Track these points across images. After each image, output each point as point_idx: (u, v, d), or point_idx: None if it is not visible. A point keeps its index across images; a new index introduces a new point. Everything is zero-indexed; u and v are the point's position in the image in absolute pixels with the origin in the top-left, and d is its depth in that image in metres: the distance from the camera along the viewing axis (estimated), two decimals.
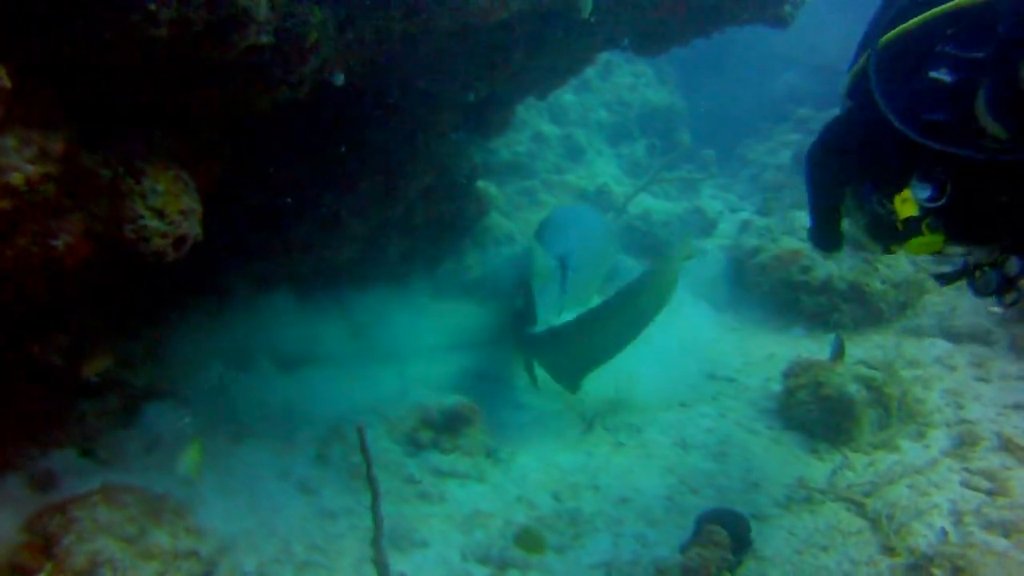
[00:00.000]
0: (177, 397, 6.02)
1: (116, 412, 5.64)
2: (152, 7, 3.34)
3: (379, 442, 5.89)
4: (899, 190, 3.28)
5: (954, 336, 7.99)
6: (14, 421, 4.93)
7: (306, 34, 4.13)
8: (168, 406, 5.93)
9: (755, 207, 10.96)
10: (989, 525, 5.25)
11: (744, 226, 9.88)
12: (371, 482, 3.92)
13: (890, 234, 3.68)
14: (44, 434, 5.17)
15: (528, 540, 5.10)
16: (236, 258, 6.09)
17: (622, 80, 13.69)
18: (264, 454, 5.74)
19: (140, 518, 4.56)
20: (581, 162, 11.84)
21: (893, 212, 3.37)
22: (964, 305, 8.37)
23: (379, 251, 6.99)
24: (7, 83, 3.15)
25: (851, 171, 3.86)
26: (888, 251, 4.02)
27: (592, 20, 4.84)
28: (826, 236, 4.39)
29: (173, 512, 4.74)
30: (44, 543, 4.29)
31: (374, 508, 3.92)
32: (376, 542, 3.87)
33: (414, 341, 7.35)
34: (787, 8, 5.56)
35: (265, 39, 3.87)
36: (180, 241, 4.17)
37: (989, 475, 5.77)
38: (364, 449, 3.92)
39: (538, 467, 5.89)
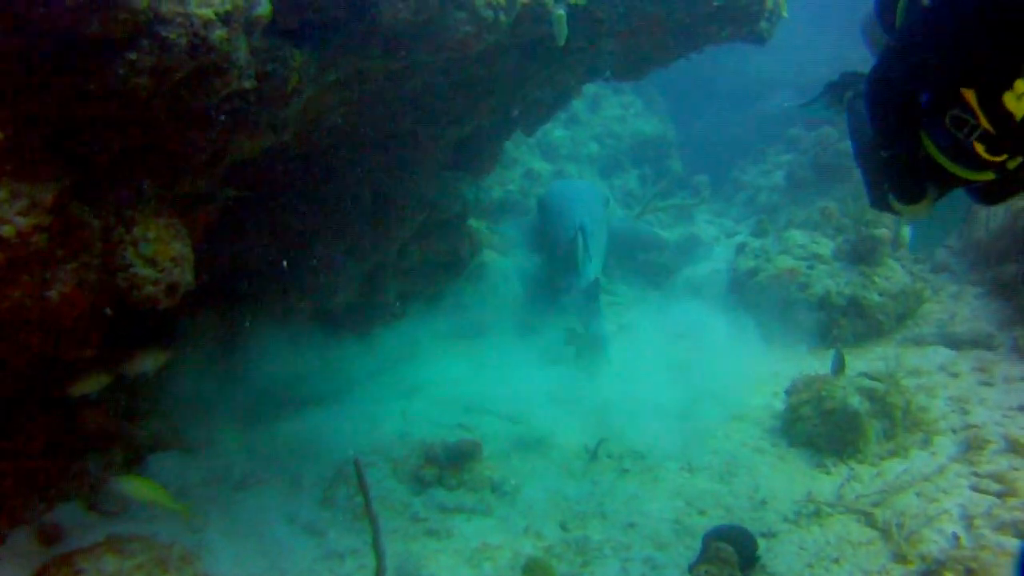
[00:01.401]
0: (182, 447, 6.05)
1: (120, 465, 5.67)
2: (133, 56, 3.43)
3: (384, 482, 5.90)
4: (1003, 88, 2.90)
5: (955, 343, 7.97)
6: (20, 476, 4.96)
7: (287, 77, 4.21)
8: (174, 457, 5.97)
9: (750, 230, 10.99)
10: (1001, 526, 5.19)
11: (740, 248, 9.91)
12: (370, 516, 3.91)
13: (967, 161, 3.16)
14: (50, 488, 5.19)
15: (537, 570, 5.06)
16: (233, 304, 6.13)
17: (611, 112, 13.81)
18: (270, 499, 5.73)
19: (147, 566, 4.54)
20: None
21: (979, 127, 2.98)
22: (963, 311, 8.37)
23: (377, 293, 7.03)
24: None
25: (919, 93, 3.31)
26: (939, 196, 3.58)
27: (570, 48, 4.92)
28: (904, 186, 3.68)
29: (180, 559, 4.72)
30: None
31: (375, 542, 3.90)
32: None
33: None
34: (763, 24, 5.64)
35: (247, 83, 3.94)
36: (172, 288, 4.21)
37: (998, 477, 5.71)
38: (362, 483, 3.91)
39: (544, 498, 5.87)
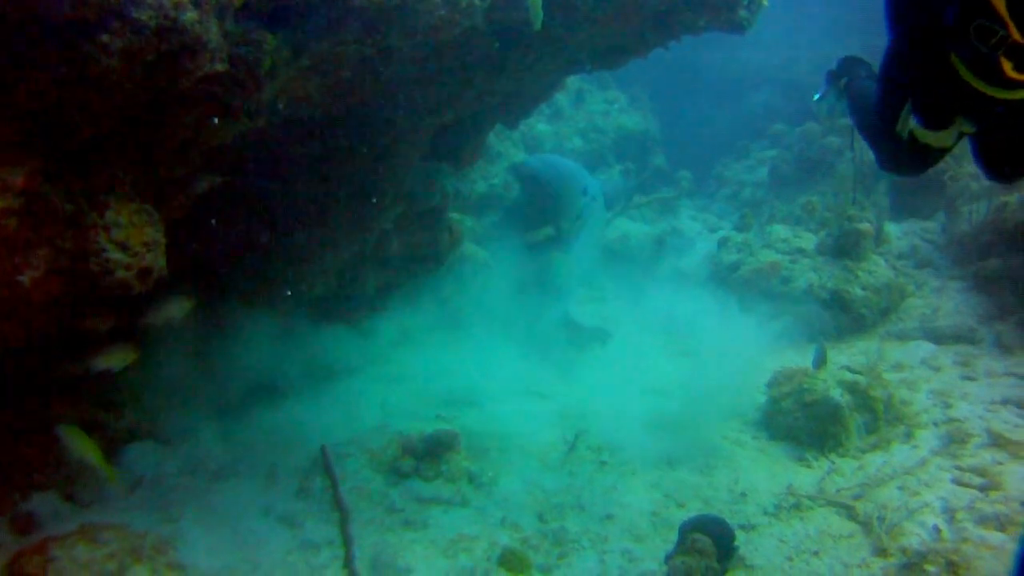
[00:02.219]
0: (158, 438, 5.98)
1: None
2: (104, 38, 3.38)
3: (361, 472, 5.85)
4: None
5: (938, 337, 7.98)
6: None
7: (260, 60, 4.15)
8: (149, 447, 5.91)
9: (733, 225, 10.99)
10: (983, 520, 5.17)
11: (722, 242, 9.90)
12: (339, 503, 3.86)
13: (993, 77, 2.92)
14: (25, 478, 5.12)
15: (513, 561, 5.03)
16: (208, 293, 6.07)
17: (595, 107, 13.81)
18: (246, 490, 5.69)
19: (120, 555, 4.53)
20: None
21: (1008, 38, 2.74)
22: (946, 306, 8.38)
23: (355, 284, 6.98)
24: None
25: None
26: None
27: (547, 35, 4.88)
28: (930, 107, 3.27)
29: (153, 548, 4.70)
30: None
31: (343, 530, 3.85)
32: (348, 564, 3.80)
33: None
34: (742, 13, 5.59)
35: (219, 66, 3.88)
36: (144, 273, 4.16)
37: (981, 471, 5.71)
38: (329, 470, 3.86)
39: (521, 489, 5.83)
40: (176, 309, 4.99)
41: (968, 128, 3.13)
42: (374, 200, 5.96)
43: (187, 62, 3.71)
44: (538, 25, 4.33)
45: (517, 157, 11.14)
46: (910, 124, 3.31)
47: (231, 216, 5.63)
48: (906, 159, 3.53)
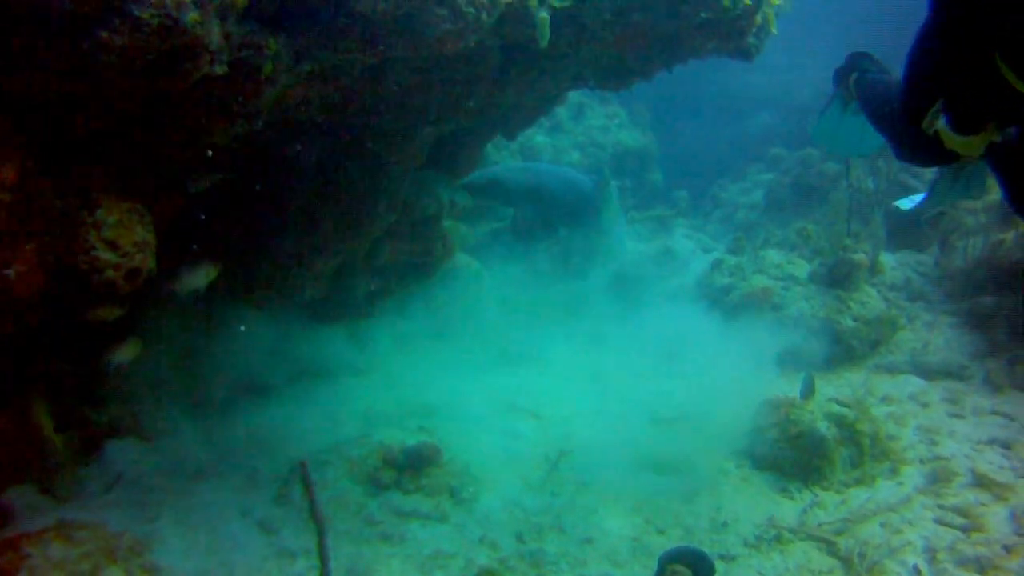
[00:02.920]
0: (139, 434, 5.92)
1: (77, 449, 5.55)
2: (103, 35, 3.34)
3: (339, 482, 5.80)
4: None
5: (927, 372, 7.96)
6: None
7: (260, 64, 4.11)
8: (130, 444, 5.84)
9: (727, 247, 10.98)
10: (964, 562, 5.16)
11: (715, 265, 9.85)
12: (316, 520, 3.82)
13: None
14: (4, 470, 5.06)
15: None
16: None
17: (595, 122, 13.77)
18: (225, 493, 5.63)
19: (95, 554, 4.49)
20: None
21: None
22: (937, 341, 8.36)
23: (346, 291, 6.94)
24: None
25: None
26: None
27: (553, 52, 4.86)
28: (966, 111, 2.98)
29: (129, 549, 4.66)
30: None
31: (320, 547, 3.81)
32: None
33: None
34: (751, 40, 5.58)
35: (219, 69, 3.84)
36: (132, 273, 4.12)
37: (963, 512, 5.68)
38: (307, 485, 3.82)
39: (502, 507, 5.77)
40: (201, 278, 4.97)
41: (997, 137, 2.90)
42: (368, 208, 5.91)
43: (187, 63, 3.68)
44: (544, 43, 4.31)
45: None
46: (937, 123, 3.08)
47: (221, 217, 5.58)
48: (923, 155, 3.38)
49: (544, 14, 4.52)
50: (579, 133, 13.46)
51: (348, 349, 7.41)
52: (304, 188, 5.76)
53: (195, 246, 5.11)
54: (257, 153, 5.37)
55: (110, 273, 4.04)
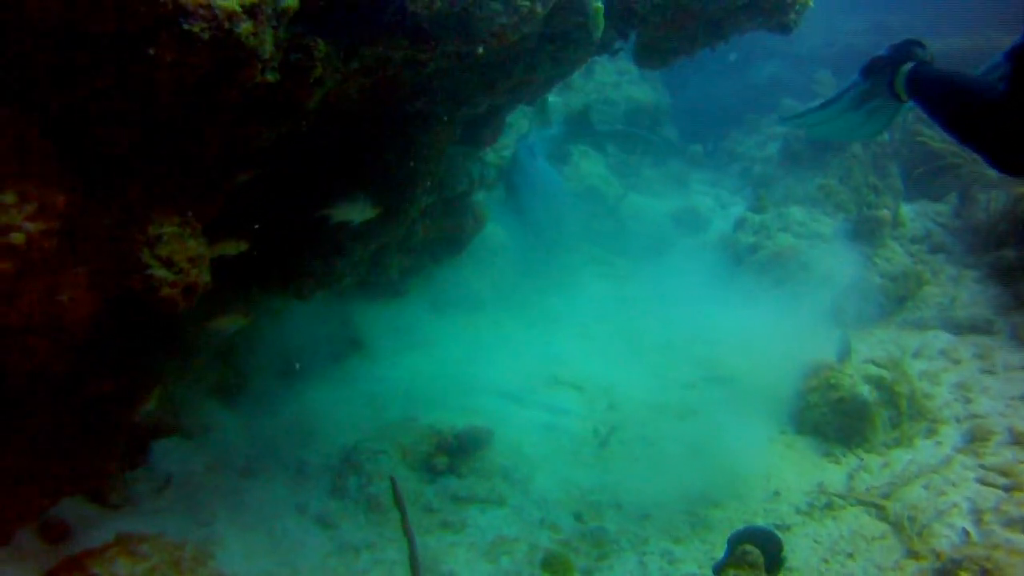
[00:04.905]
0: (182, 432, 5.91)
1: (123, 453, 5.52)
2: (152, 52, 3.24)
3: (395, 470, 5.81)
4: None
5: (955, 327, 8.01)
6: (28, 471, 4.80)
7: (310, 68, 4.02)
8: (174, 443, 5.83)
9: (746, 202, 10.92)
10: (1010, 522, 5.24)
11: (739, 223, 9.83)
12: (407, 533, 3.84)
13: None
14: (55, 482, 5.04)
15: (555, 565, 5.05)
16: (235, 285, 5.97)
17: (606, 79, 13.58)
18: (278, 488, 5.65)
19: (161, 568, 4.44)
20: (568, 163, 11.72)
21: None
22: (963, 295, 8.39)
23: (380, 272, 6.88)
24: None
25: None
26: None
27: (602, 40, 4.78)
28: None
29: (193, 559, 4.62)
30: None
31: (412, 558, 3.83)
32: None
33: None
34: (792, 16, 5.51)
35: (270, 76, 3.75)
36: (189, 290, 4.06)
37: (1004, 471, 5.77)
38: (399, 500, 3.83)
39: (557, 487, 5.83)
40: (357, 212, 5.19)
41: None
42: (407, 192, 5.84)
43: (238, 74, 3.58)
44: (598, 35, 4.22)
45: (526, 128, 10.98)
46: None
47: (261, 213, 5.51)
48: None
49: (599, 3, 4.42)
50: (590, 90, 13.29)
51: (384, 329, 7.39)
52: (341, 175, 5.67)
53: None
54: (293, 143, 5.28)
55: (167, 291, 3.97)
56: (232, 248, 4.92)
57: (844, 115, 4.66)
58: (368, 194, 5.01)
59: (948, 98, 3.59)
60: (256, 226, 5.55)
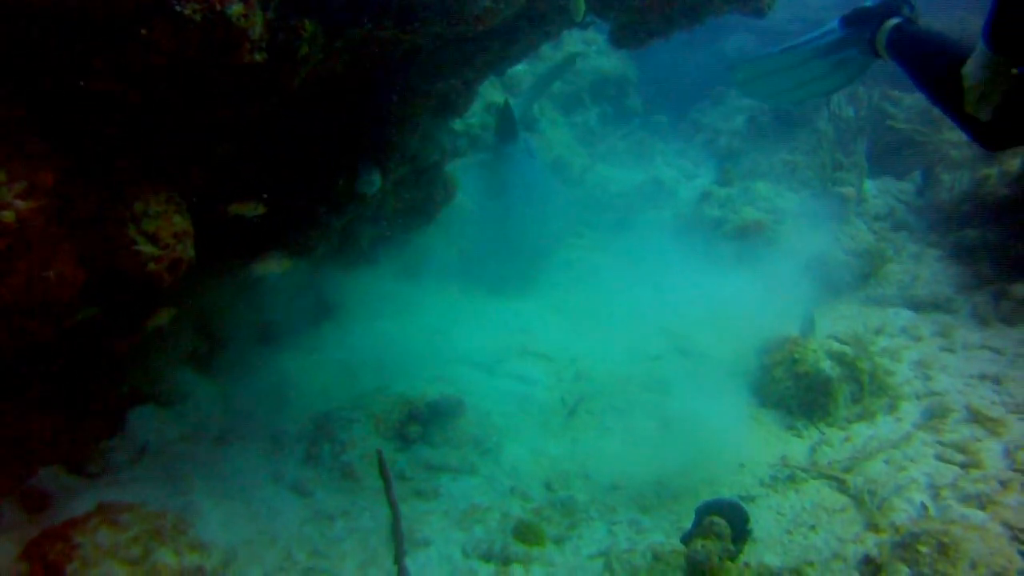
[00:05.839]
0: (158, 400, 5.93)
1: (100, 421, 5.54)
2: (145, 33, 3.26)
3: (368, 439, 5.90)
4: None
5: (916, 305, 8.23)
6: (8, 442, 4.81)
7: (297, 47, 4.04)
8: (150, 411, 5.85)
9: (711, 174, 11.05)
10: (966, 498, 5.43)
11: (704, 196, 9.95)
12: (391, 504, 3.94)
13: None
14: (33, 452, 5.05)
15: (527, 533, 5.17)
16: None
17: (573, 48, 13.56)
18: (253, 456, 5.71)
19: (143, 538, 4.51)
20: (535, 131, 11.76)
21: None
22: (924, 273, 8.60)
23: (352, 241, 6.92)
24: None
25: None
26: None
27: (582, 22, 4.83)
28: None
29: (174, 528, 4.70)
30: (47, 571, 4.23)
31: (395, 528, 3.94)
32: (398, 560, 3.90)
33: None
34: (766, 1, 5.61)
35: (259, 57, 3.77)
36: (175, 264, 4.10)
37: (961, 447, 5.95)
38: (384, 473, 3.92)
39: (527, 457, 5.95)
40: (274, 266, 5.15)
41: None
42: (381, 166, 5.87)
43: (228, 55, 3.59)
44: (579, 18, 4.25)
45: (494, 97, 10.98)
46: None
47: (236, 183, 5.50)
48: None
49: None
50: (558, 60, 13.27)
51: (355, 298, 7.43)
52: (317, 148, 5.68)
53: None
54: (270, 116, 5.27)
55: (152, 266, 4.02)
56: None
57: (807, 63, 4.57)
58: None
59: (931, 60, 3.46)
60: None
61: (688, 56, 15.37)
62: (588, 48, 13.70)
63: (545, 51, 12.95)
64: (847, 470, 5.82)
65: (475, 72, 6.09)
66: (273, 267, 5.02)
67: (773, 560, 4.94)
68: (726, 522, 4.80)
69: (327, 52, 4.36)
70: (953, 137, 9.26)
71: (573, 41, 13.57)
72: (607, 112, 13.46)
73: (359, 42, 4.46)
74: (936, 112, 10.17)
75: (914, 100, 10.69)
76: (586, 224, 10.25)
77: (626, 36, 5.61)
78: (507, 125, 9.45)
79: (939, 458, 5.91)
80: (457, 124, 10.32)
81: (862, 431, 6.30)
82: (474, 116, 10.70)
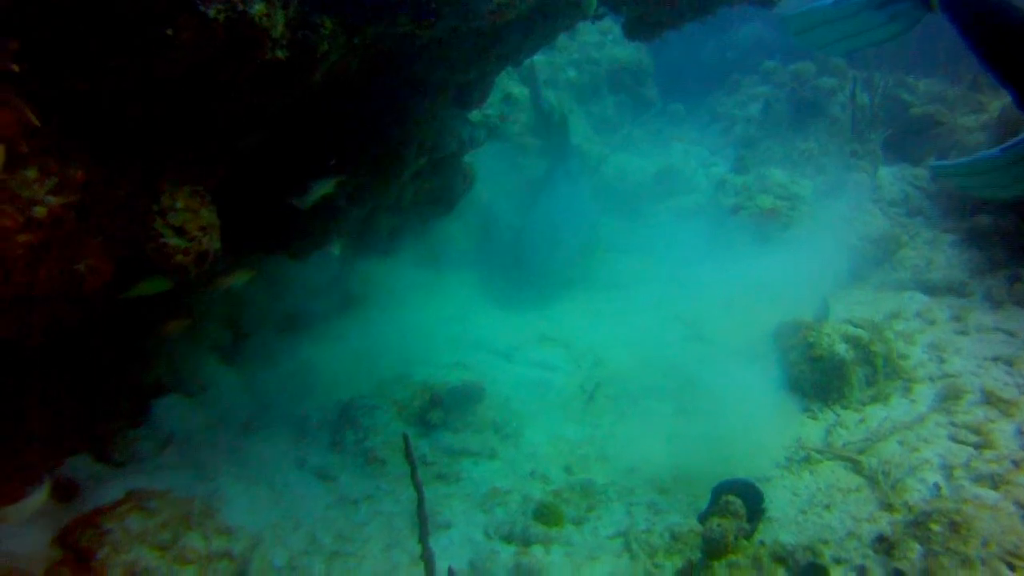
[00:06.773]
0: (182, 390, 6.07)
1: (126, 411, 5.68)
2: (169, 32, 3.35)
3: (391, 425, 6.04)
4: None
5: (931, 289, 8.27)
6: (37, 433, 4.96)
7: (316, 44, 4.14)
8: (175, 401, 5.99)
9: (727, 162, 11.08)
10: (979, 478, 5.50)
11: (721, 184, 10.01)
12: (417, 487, 4.05)
13: None
14: (61, 442, 5.20)
15: (547, 515, 5.29)
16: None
17: (589, 39, 13.62)
18: (278, 443, 5.85)
19: (172, 523, 4.64)
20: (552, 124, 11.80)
21: None
22: (939, 258, 8.63)
23: (370, 232, 7.03)
24: (35, 121, 3.18)
25: None
26: None
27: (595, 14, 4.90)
28: None
29: (202, 513, 4.84)
30: (79, 557, 4.37)
31: (420, 510, 4.05)
32: (423, 540, 4.01)
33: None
34: None
35: (280, 54, 3.87)
36: (201, 257, 4.21)
37: (975, 428, 6.02)
38: (409, 455, 4.03)
39: (546, 441, 6.07)
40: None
41: None
42: (400, 157, 5.98)
43: (251, 54, 3.70)
44: (591, 11, 4.33)
45: (512, 88, 11.06)
46: None
47: (258, 174, 5.62)
48: None
49: None
50: (574, 50, 13.34)
51: (376, 287, 7.55)
52: (336, 141, 5.78)
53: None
54: (291, 110, 5.38)
55: (180, 259, 4.12)
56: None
57: (861, 14, 4.51)
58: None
59: (987, 18, 3.23)
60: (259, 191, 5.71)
61: (703, 45, 15.38)
62: (604, 38, 13.73)
63: (561, 41, 13.03)
64: (862, 451, 5.90)
65: (491, 64, 6.16)
66: (237, 280, 5.15)
67: (788, 538, 5.03)
68: (741, 501, 4.90)
69: (346, 48, 4.46)
70: (968, 123, 9.26)
71: (590, 32, 13.62)
72: (624, 101, 13.50)
73: (376, 38, 4.55)
74: (951, 98, 10.25)
75: (929, 86, 10.70)
76: (603, 212, 10.30)
77: (639, 28, 5.67)
78: (560, 141, 9.47)
79: (952, 439, 5.97)
80: (475, 115, 10.41)
81: (877, 413, 6.37)
82: (491, 107, 10.77)
